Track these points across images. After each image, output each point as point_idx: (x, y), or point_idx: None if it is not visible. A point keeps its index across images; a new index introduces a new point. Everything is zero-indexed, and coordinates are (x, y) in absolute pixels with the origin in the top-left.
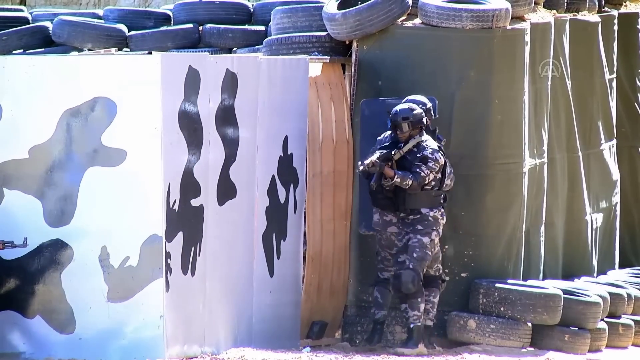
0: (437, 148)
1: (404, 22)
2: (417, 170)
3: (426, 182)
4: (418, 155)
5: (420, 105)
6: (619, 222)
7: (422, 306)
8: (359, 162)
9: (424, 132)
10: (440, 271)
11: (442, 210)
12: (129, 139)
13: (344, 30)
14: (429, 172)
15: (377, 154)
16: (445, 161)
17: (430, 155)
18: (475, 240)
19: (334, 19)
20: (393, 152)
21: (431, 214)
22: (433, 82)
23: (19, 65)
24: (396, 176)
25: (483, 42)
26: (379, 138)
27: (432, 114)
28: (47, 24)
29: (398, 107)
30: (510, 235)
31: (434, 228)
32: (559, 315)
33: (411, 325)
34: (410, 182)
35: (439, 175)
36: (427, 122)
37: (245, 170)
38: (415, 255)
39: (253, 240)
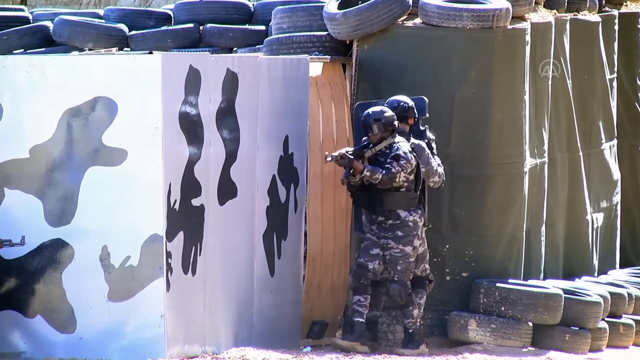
0: (410, 150)
1: (405, 22)
2: (388, 166)
3: (396, 180)
4: (390, 154)
5: (402, 104)
6: (620, 222)
7: (417, 312)
8: (326, 153)
9: (397, 135)
10: (427, 271)
11: (420, 212)
12: (129, 139)
13: (344, 30)
14: (400, 169)
15: (347, 149)
16: (417, 163)
17: (402, 154)
18: (476, 240)
19: (334, 18)
20: (364, 150)
21: (410, 218)
22: (433, 82)
23: (19, 65)
24: (365, 170)
25: (483, 42)
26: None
27: (415, 112)
28: (48, 23)
29: (370, 109)
30: (511, 235)
31: (415, 233)
32: (559, 315)
33: (410, 330)
34: (380, 176)
35: (412, 177)
36: (398, 125)
37: (245, 170)
38: (399, 267)
39: (254, 239)
